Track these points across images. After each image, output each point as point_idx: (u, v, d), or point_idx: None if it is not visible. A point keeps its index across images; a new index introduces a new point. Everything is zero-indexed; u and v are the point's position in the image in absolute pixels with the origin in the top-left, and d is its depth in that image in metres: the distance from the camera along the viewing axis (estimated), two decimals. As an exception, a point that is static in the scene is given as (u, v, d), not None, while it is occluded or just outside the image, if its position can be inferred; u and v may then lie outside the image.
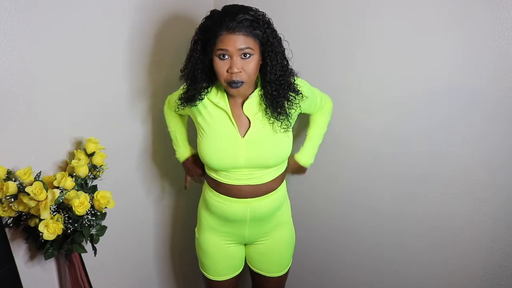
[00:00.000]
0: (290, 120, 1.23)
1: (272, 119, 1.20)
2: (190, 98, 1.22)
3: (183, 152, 1.47)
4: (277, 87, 1.17)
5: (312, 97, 1.31)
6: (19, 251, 1.29)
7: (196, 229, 1.45)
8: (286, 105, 1.19)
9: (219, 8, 1.15)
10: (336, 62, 1.47)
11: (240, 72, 1.11)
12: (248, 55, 1.10)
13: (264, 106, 1.20)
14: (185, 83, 1.24)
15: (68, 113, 1.34)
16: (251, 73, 1.12)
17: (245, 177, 1.25)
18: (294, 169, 1.45)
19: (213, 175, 1.30)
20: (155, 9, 1.53)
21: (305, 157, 1.43)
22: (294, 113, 1.24)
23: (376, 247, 1.57)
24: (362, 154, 1.50)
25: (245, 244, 1.43)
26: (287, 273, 1.45)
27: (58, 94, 1.29)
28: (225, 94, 1.23)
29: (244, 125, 1.23)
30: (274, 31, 1.15)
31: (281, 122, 1.20)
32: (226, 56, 1.10)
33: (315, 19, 1.48)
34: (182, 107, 1.27)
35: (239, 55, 1.10)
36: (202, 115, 1.25)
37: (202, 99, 1.23)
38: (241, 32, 1.08)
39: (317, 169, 1.62)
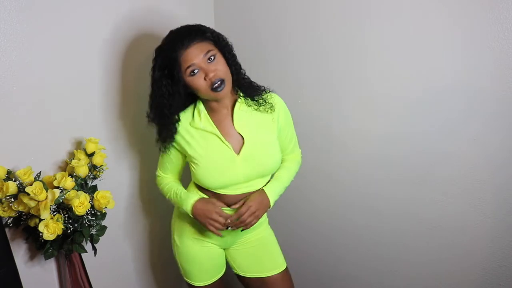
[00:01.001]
0: (268, 101, 1.26)
1: (256, 106, 1.25)
2: (166, 135, 1.24)
3: (190, 196, 1.26)
4: (241, 76, 1.25)
5: (287, 120, 1.32)
6: (19, 251, 1.29)
7: (175, 237, 1.40)
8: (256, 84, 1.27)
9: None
10: (337, 63, 1.47)
11: (216, 72, 1.14)
12: (213, 57, 1.15)
13: (247, 101, 1.25)
14: (156, 126, 1.25)
15: (68, 113, 1.34)
16: (225, 69, 1.17)
17: (243, 186, 1.25)
18: (256, 196, 1.25)
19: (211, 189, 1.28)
20: (157, 9, 1.53)
21: (269, 186, 1.28)
22: (268, 101, 1.26)
23: (376, 247, 1.57)
24: (362, 154, 1.50)
25: (224, 250, 1.40)
26: (288, 274, 1.41)
27: (58, 94, 1.29)
28: (208, 116, 1.24)
29: (237, 141, 1.24)
30: (215, 30, 1.21)
31: (264, 100, 1.25)
32: (197, 70, 1.14)
33: (316, 20, 1.48)
34: (167, 147, 1.27)
35: (206, 62, 1.14)
36: (190, 145, 1.24)
37: (177, 132, 1.24)
38: (195, 42, 1.13)
39: (317, 169, 1.62)
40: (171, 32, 1.19)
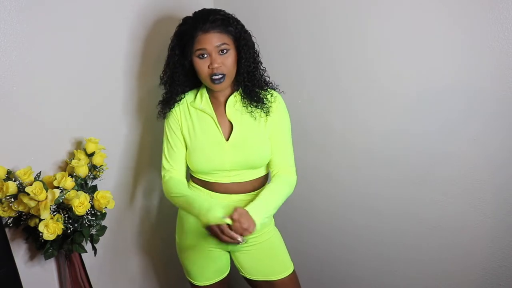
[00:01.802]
0: (268, 104, 1.27)
1: (251, 108, 1.26)
2: (168, 101, 1.28)
3: (217, 207, 1.13)
4: (250, 77, 1.25)
5: (282, 125, 1.30)
6: (19, 251, 1.29)
7: (177, 236, 1.41)
8: (260, 92, 1.27)
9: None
10: (336, 63, 1.47)
11: (221, 66, 1.18)
12: (225, 51, 1.18)
13: (243, 98, 1.27)
14: (165, 90, 1.30)
15: (68, 113, 1.34)
16: (230, 66, 1.20)
17: (231, 174, 1.28)
18: (241, 213, 1.10)
19: (200, 175, 1.31)
20: (155, 10, 1.53)
21: (254, 207, 1.16)
22: (268, 104, 1.27)
23: (376, 247, 1.57)
24: (362, 154, 1.50)
25: (229, 252, 1.39)
26: (296, 276, 1.39)
27: (58, 94, 1.30)
28: (209, 100, 1.28)
29: (227, 128, 1.27)
30: (243, 27, 1.24)
31: (260, 108, 1.26)
32: (205, 55, 1.18)
33: (316, 19, 1.48)
34: (164, 113, 1.30)
35: (217, 52, 1.18)
36: (187, 126, 1.28)
37: (178, 102, 1.29)
38: (216, 30, 1.17)
39: (317, 169, 1.62)
40: (200, 11, 1.22)
